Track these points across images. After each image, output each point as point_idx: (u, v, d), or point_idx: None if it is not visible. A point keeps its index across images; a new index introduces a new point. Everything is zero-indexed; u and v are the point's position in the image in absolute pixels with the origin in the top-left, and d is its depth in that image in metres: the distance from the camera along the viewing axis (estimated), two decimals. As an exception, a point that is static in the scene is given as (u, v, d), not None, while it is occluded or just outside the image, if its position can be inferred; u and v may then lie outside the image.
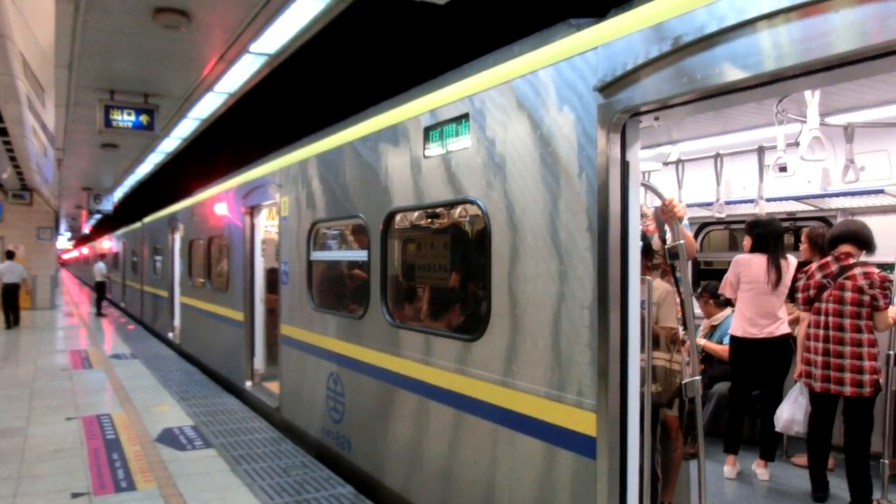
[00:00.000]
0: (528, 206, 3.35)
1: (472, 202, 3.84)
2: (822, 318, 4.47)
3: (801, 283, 4.62)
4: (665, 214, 3.47)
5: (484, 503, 3.66)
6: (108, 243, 27.66)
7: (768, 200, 5.60)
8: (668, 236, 3.58)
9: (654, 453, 3.78)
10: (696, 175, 6.24)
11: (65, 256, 68.07)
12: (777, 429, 4.90)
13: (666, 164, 6.20)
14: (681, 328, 3.75)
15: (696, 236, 6.83)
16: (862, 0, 2.00)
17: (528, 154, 3.35)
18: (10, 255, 17.52)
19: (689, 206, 6.35)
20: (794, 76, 2.28)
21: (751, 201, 5.74)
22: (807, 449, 4.67)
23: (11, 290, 16.19)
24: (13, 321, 16.29)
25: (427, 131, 4.22)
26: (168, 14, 5.46)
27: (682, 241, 3.36)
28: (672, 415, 3.79)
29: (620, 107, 2.83)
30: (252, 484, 5.04)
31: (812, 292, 4.53)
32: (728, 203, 6.12)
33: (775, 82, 2.34)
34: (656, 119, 2.95)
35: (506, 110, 3.52)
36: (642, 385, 3.32)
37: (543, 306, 3.24)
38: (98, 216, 26.09)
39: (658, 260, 3.84)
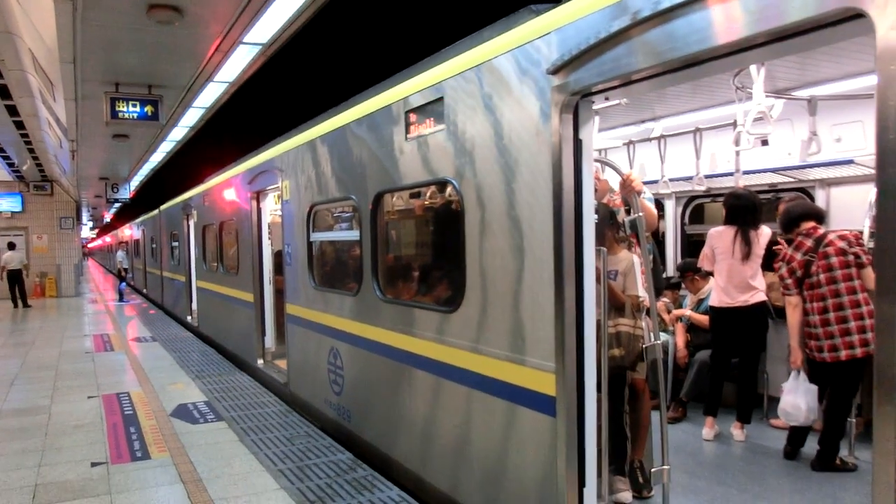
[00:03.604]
0: (495, 185, 3.58)
1: (447, 182, 4.07)
2: (818, 290, 4.55)
3: (783, 271, 4.70)
4: (624, 189, 3.67)
5: (461, 459, 3.93)
6: (128, 231, 28.28)
7: (747, 173, 5.75)
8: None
9: (623, 414, 4.03)
10: (681, 149, 6.39)
11: (90, 245, 69.28)
12: (795, 422, 4.65)
13: (650, 139, 6.36)
14: (646, 295, 3.96)
15: (683, 209, 6.99)
16: None
17: (494, 136, 3.56)
18: (11, 247, 19.83)
19: (673, 180, 6.52)
20: (736, 51, 2.36)
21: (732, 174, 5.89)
22: (824, 419, 4.66)
23: (16, 275, 19.15)
24: (22, 303, 19.09)
25: (407, 115, 4.45)
26: (161, 10, 5.73)
27: (641, 214, 3.57)
28: (638, 377, 4.01)
29: (571, 88, 3.02)
30: (258, 452, 5.37)
31: (800, 273, 4.63)
32: (713, 176, 6.28)
33: (726, 56, 2.43)
34: (607, 98, 3.15)
35: (474, 94, 3.73)
36: (609, 349, 3.57)
37: (510, 278, 3.48)
38: (118, 205, 26.64)
39: (627, 232, 4.04)
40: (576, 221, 3.12)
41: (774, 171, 5.76)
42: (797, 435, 4.79)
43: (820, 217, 4.78)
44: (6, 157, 16.64)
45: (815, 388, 4.58)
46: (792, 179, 5.86)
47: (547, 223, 3.17)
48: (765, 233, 5.22)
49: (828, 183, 5.61)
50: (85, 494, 4.61)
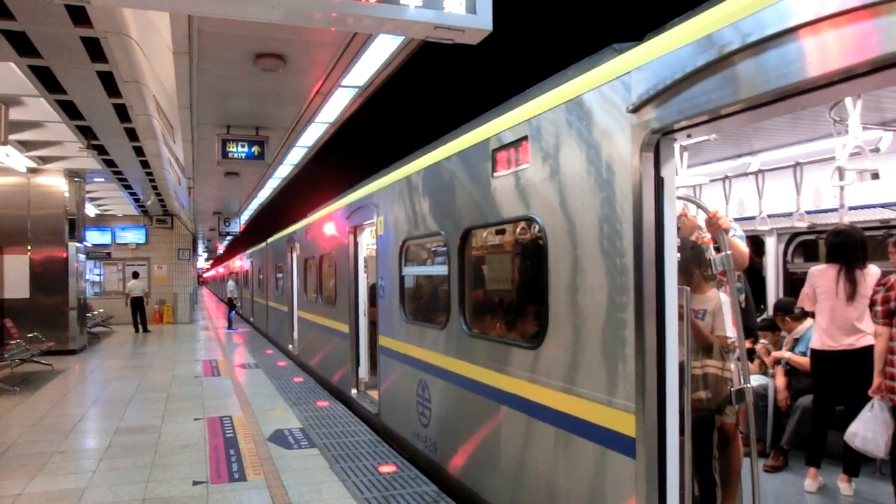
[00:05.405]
0: (577, 223, 3.59)
1: (531, 219, 4.12)
2: None
3: (879, 297, 4.46)
4: (711, 227, 3.58)
5: (545, 498, 3.89)
6: (237, 262, 29.95)
7: (854, 208, 5.43)
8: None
9: (712, 460, 3.87)
10: (782, 184, 6.12)
11: (205, 275, 73.71)
12: (851, 444, 4.56)
13: (747, 174, 6.14)
14: (735, 335, 3.81)
15: (786, 247, 6.66)
16: None
17: (577, 173, 3.60)
18: (135, 276, 21.70)
19: (772, 216, 6.25)
20: (814, 88, 2.31)
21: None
22: (890, 465, 4.49)
23: (138, 302, 20.93)
24: (142, 328, 20.63)
25: (494, 153, 4.56)
26: (266, 59, 6.23)
27: (728, 252, 3.47)
28: (729, 421, 3.85)
29: (652, 127, 3.02)
30: (346, 480, 5.52)
31: (892, 304, 4.38)
32: (817, 212, 5.97)
33: (806, 92, 2.38)
34: (689, 136, 3.11)
35: (556, 132, 3.79)
36: (693, 392, 3.46)
37: (591, 316, 3.46)
38: (229, 237, 28.39)
39: (715, 270, 3.92)
40: (657, 259, 3.09)
41: (885, 206, 5.41)
42: None
43: None
44: (133, 194, 18.24)
45: (883, 421, 4.36)
46: (906, 215, 5.48)
47: (628, 261, 3.15)
48: (872, 272, 4.90)
49: (948, 220, 5.21)
50: (186, 511, 4.92)
